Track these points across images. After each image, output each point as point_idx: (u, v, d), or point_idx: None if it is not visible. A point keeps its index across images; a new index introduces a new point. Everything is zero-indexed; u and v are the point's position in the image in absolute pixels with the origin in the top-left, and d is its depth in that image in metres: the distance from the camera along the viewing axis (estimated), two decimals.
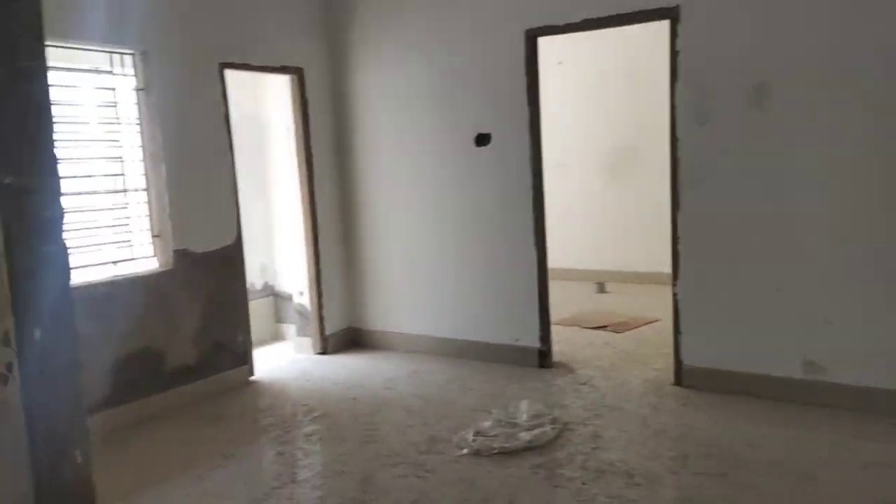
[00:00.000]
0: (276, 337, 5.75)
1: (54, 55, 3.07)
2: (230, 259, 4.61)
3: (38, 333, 1.86)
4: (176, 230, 4.27)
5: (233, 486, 3.15)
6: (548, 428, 3.60)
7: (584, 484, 3.08)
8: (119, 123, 4.20)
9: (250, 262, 5.64)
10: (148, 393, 4.06)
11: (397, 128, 5.19)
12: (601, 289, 7.31)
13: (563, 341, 5.34)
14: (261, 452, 3.52)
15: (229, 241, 4.61)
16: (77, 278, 3.83)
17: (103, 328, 3.85)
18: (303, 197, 5.24)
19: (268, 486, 3.15)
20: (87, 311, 3.76)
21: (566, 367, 4.76)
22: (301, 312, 5.38)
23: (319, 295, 5.29)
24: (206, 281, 4.43)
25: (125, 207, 4.21)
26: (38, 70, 1.89)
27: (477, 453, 3.42)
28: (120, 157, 4.20)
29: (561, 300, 6.93)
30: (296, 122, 5.19)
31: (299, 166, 5.21)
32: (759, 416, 3.71)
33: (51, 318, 1.89)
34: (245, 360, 4.68)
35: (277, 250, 5.77)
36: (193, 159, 4.38)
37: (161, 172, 4.23)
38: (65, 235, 1.92)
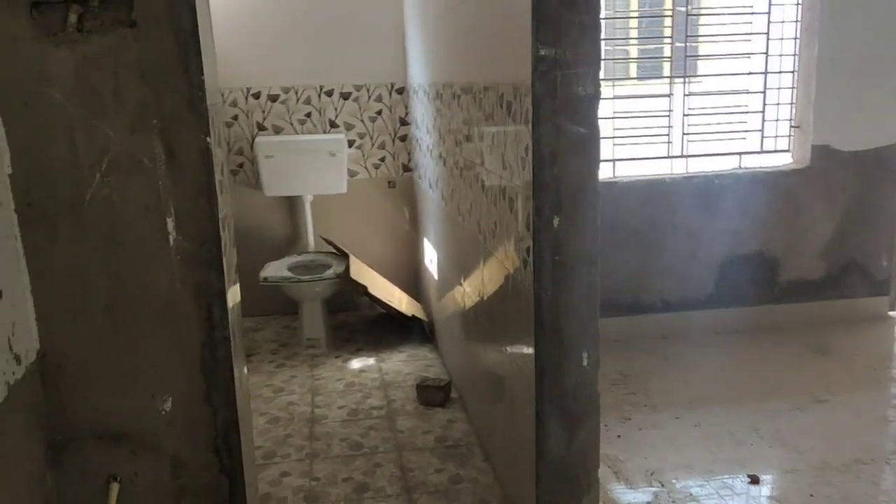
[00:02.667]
0: None
1: None
2: (885, 162, 3.68)
3: (556, 221, 1.77)
4: (819, 122, 3.61)
5: (807, 441, 2.60)
6: None
7: None
8: None
9: None
10: (754, 302, 3.69)
11: None
12: None
13: None
14: (858, 410, 2.81)
15: (891, 139, 3.66)
16: (693, 167, 3.68)
17: (714, 224, 3.61)
18: None
19: (846, 455, 2.49)
20: (698, 204, 3.59)
21: None
22: None
23: None
24: (849, 186, 3.67)
25: (762, 93, 3.75)
26: None
27: None
28: (765, 32, 3.72)
29: None
30: None
31: None
32: None
33: (573, 206, 1.77)
34: (886, 289, 3.78)
35: None
36: (857, 35, 3.54)
37: (813, 51, 3.57)
38: (598, 117, 1.73)
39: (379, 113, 4.05)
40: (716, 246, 3.65)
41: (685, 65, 3.64)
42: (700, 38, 3.75)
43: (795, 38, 3.67)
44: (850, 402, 2.88)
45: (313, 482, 2.42)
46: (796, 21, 3.66)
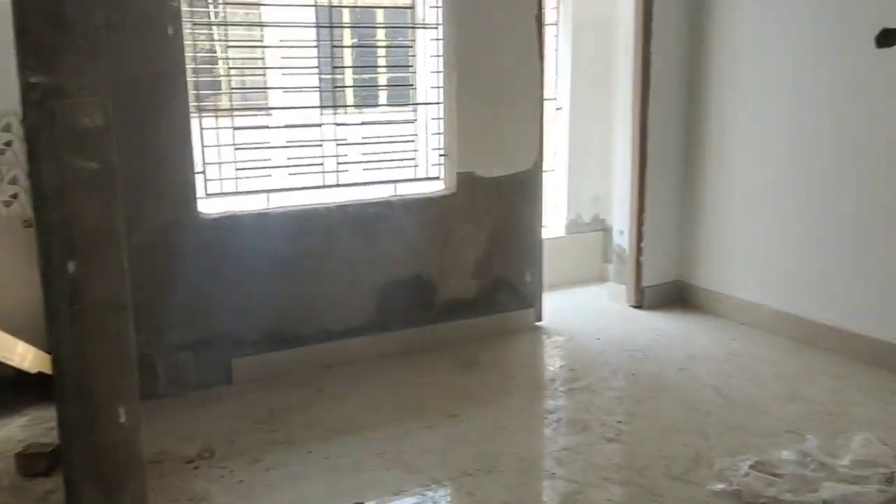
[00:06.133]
0: (603, 278, 5.02)
1: None
2: (525, 186, 4.02)
3: (72, 266, 1.61)
4: (462, 151, 3.84)
5: (427, 457, 2.69)
6: (872, 488, 2.29)
7: None
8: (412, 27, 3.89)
9: (581, 192, 5.02)
10: (415, 324, 3.82)
11: (763, 32, 3.85)
12: None
13: None
14: (483, 423, 2.98)
15: (526, 165, 4.01)
16: (347, 196, 3.73)
17: (372, 250, 3.68)
18: (633, 115, 4.30)
19: (457, 469, 2.61)
20: (355, 232, 3.63)
21: None
22: (620, 256, 4.55)
23: (639, 238, 4.38)
24: (493, 209, 3.94)
25: (412, 122, 3.93)
26: None
27: (736, 496, 2.33)
28: (409, 66, 3.91)
29: None
30: (635, 21, 4.21)
31: (634, 75, 4.26)
32: None
33: (91, 249, 1.62)
34: (531, 302, 4.12)
35: (615, 181, 4.93)
36: (491, 68, 3.83)
37: (453, 84, 3.80)
38: (111, 149, 1.60)
39: (8, 144, 3.60)
40: (375, 272, 3.71)
41: (333, 95, 3.69)
42: (353, 69, 3.85)
43: (438, 72, 3.89)
44: (478, 414, 3.04)
45: None
46: (438, 56, 3.88)
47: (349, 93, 4.12)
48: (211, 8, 3.66)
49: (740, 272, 4.10)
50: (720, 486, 2.39)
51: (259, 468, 2.63)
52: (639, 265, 4.40)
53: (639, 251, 4.39)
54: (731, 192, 4.12)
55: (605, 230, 5.03)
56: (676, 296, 4.47)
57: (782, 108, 3.79)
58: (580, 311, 4.37)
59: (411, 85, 3.98)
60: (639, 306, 4.41)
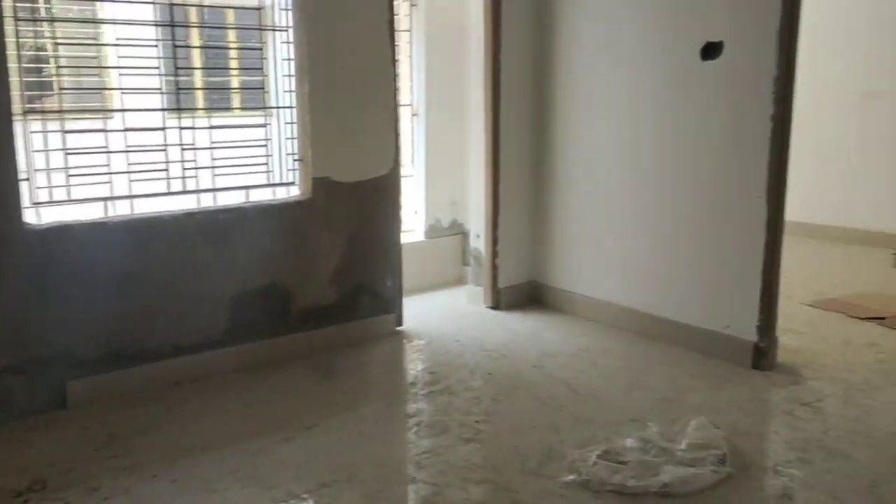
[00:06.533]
0: (462, 281, 5.11)
1: None
2: (383, 192, 4.02)
3: None
4: (317, 156, 3.78)
5: (281, 473, 2.61)
6: (707, 469, 2.48)
7: None
8: (262, 29, 3.78)
9: (439, 197, 5.08)
10: (270, 334, 3.71)
11: (605, 40, 4.08)
12: None
13: (809, 334, 3.97)
14: (342, 432, 2.93)
15: (384, 170, 4.01)
16: (195, 204, 3.57)
17: (224, 259, 3.53)
18: (486, 121, 4.42)
19: (315, 481, 2.55)
20: (205, 241, 3.47)
21: (792, 374, 3.42)
22: (477, 258, 4.66)
23: (494, 241, 4.50)
24: (351, 215, 3.91)
25: (265, 127, 3.82)
26: None
27: (586, 485, 2.45)
28: (261, 69, 3.80)
29: (837, 272, 5.31)
30: (485, 31, 4.33)
31: (484, 82, 4.37)
32: None
33: None
34: (392, 307, 4.13)
35: (471, 184, 5.03)
36: (344, 73, 3.80)
37: (305, 88, 3.73)
38: None
39: None
40: (228, 282, 3.57)
41: (177, 98, 3.51)
42: (203, 71, 3.68)
43: (290, 76, 3.81)
44: (337, 423, 2.99)
45: None
46: (290, 59, 3.80)
47: (199, 95, 3.95)
48: (41, 3, 3.37)
49: (587, 271, 4.32)
50: (571, 477, 2.49)
51: (97, 497, 2.45)
52: (495, 268, 4.52)
53: (494, 254, 4.51)
54: (577, 194, 4.33)
55: (464, 234, 5.13)
56: (531, 296, 4.64)
57: (620, 113, 4.03)
58: (440, 315, 4.43)
59: (263, 89, 3.87)
60: (496, 307, 4.53)
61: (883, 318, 4.19)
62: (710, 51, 3.56)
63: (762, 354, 3.46)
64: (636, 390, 3.28)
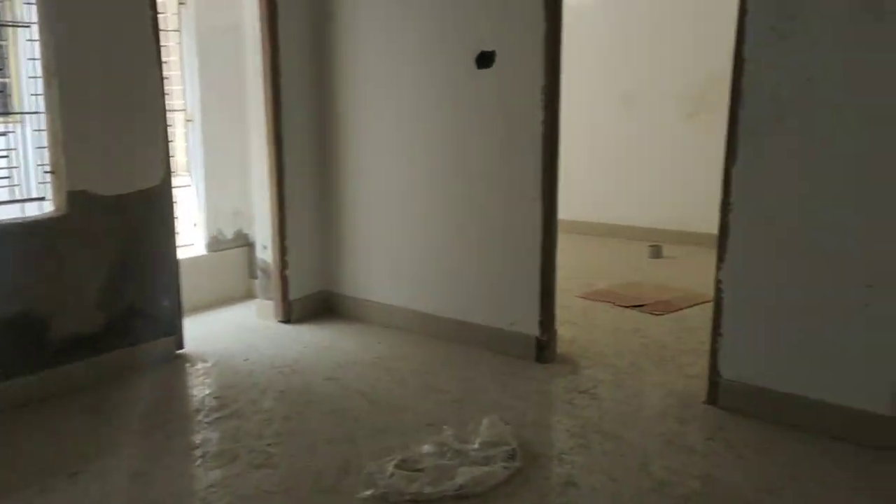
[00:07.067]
0: (251, 295, 4.86)
1: None
2: (154, 204, 3.69)
3: None
4: (73, 166, 3.37)
5: None
6: (499, 465, 2.55)
7: None
8: (4, 26, 3.31)
9: (221, 207, 4.79)
10: (23, 372, 3.24)
11: (385, 45, 4.08)
12: (656, 253, 6.05)
13: (583, 324, 4.25)
14: (114, 475, 2.63)
15: (154, 181, 3.68)
16: None
17: None
18: (266, 125, 4.23)
19: None
20: None
21: (570, 363, 3.65)
22: (265, 270, 4.46)
23: (283, 251, 4.33)
24: (117, 230, 3.54)
25: (8, 135, 3.36)
26: None
27: (384, 499, 2.41)
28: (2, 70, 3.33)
29: (604, 265, 5.79)
30: (262, 31, 4.14)
31: (264, 84, 4.18)
32: (827, 466, 2.53)
33: None
34: (171, 329, 3.81)
35: (255, 193, 4.79)
36: (101, 75, 3.42)
37: (55, 91, 3.31)
38: None
39: None
40: None
41: None
42: None
43: (38, 77, 3.37)
44: (108, 466, 2.68)
45: None
46: (36, 59, 3.35)
47: None
48: None
49: (378, 278, 4.31)
50: (368, 492, 2.43)
51: None
52: (284, 279, 4.36)
53: (283, 265, 4.34)
54: (364, 200, 4.29)
55: (250, 245, 4.89)
56: (324, 306, 4.54)
57: (400, 119, 4.05)
58: (227, 333, 4.18)
59: (5, 91, 3.39)
60: (287, 320, 4.36)
61: (643, 305, 4.63)
62: (485, 59, 3.69)
63: (544, 347, 3.66)
64: (431, 394, 3.31)
